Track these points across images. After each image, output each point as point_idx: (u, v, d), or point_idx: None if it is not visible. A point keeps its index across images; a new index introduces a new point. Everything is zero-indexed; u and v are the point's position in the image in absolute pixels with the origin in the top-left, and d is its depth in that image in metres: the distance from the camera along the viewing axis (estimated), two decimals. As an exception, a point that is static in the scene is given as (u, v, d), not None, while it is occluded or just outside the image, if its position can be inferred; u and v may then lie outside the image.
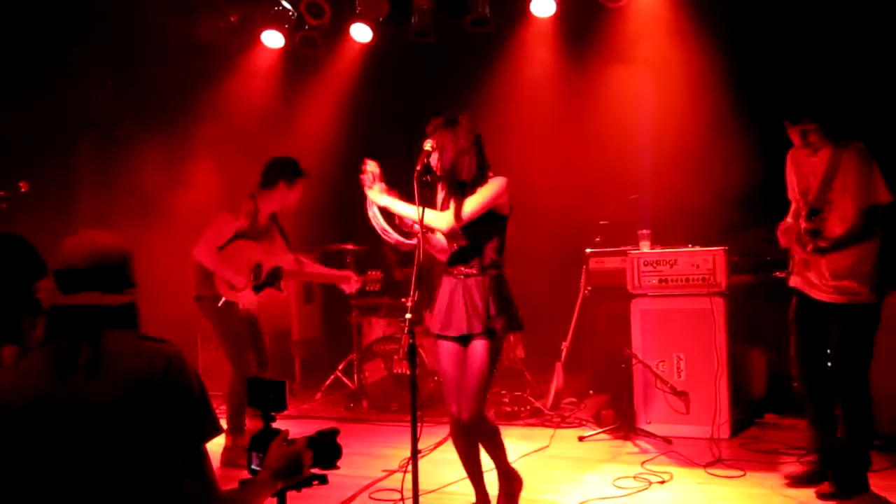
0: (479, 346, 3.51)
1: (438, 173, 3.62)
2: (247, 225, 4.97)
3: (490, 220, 3.58)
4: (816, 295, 3.98)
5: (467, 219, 3.50)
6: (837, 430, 4.06)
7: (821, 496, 3.97)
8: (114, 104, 7.51)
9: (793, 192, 4.19)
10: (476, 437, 3.63)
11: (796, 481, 4.17)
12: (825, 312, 3.98)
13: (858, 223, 3.84)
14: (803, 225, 3.96)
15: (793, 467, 4.38)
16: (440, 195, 3.71)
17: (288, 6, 7.18)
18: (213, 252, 4.82)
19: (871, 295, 3.86)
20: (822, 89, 4.39)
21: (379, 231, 3.69)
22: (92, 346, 1.84)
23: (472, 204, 3.52)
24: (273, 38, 7.31)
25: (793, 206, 4.21)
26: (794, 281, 4.13)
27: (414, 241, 3.57)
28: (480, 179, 3.58)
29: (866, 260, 3.85)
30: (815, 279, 3.98)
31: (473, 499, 3.83)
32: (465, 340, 3.56)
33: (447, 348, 3.63)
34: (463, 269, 3.60)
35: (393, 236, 3.68)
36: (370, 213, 3.70)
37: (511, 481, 3.80)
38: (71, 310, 1.90)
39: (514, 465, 3.89)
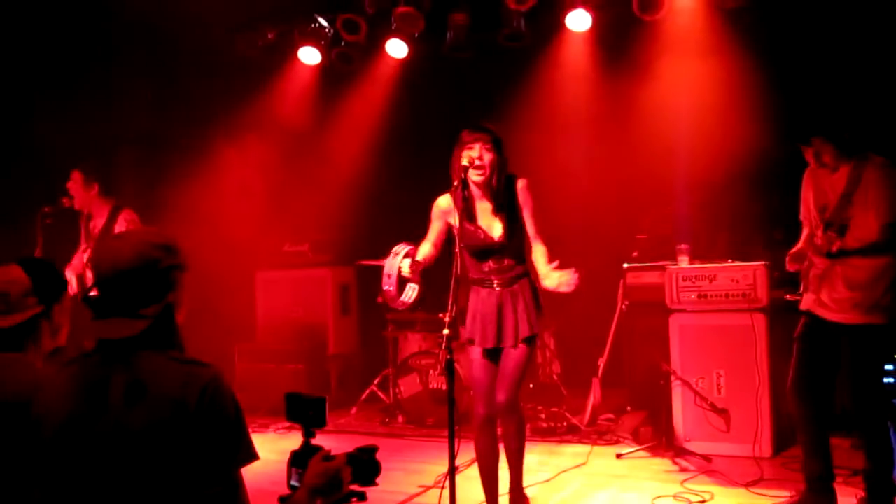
0: (517, 348, 3.76)
1: (484, 187, 3.74)
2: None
3: (522, 230, 3.80)
4: (831, 316, 3.86)
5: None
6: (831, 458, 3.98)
7: None
8: (154, 119, 7.64)
9: (807, 211, 4.07)
10: (506, 424, 3.84)
11: None
12: (838, 335, 3.85)
13: (881, 238, 3.72)
14: (819, 235, 3.80)
15: (783, 497, 4.23)
16: (483, 205, 3.80)
17: (324, 23, 7.25)
18: None
19: (886, 316, 3.75)
20: (829, 107, 4.25)
21: (388, 290, 3.79)
22: (125, 373, 1.82)
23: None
24: (310, 55, 7.39)
25: (805, 231, 4.09)
26: (805, 302, 4.01)
27: (408, 301, 3.82)
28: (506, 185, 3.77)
29: (884, 276, 3.74)
30: (828, 298, 3.85)
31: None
32: (496, 351, 3.82)
33: (478, 357, 3.87)
34: (496, 280, 3.81)
35: (399, 300, 3.81)
36: (388, 271, 3.79)
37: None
38: (101, 344, 1.88)
39: (552, 482, 3.88)
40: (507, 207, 3.74)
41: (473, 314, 3.86)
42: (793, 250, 4.03)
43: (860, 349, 3.80)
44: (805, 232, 4.10)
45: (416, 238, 3.91)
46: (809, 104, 5.49)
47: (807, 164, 4.02)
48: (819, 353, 3.96)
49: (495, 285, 3.79)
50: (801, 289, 4.05)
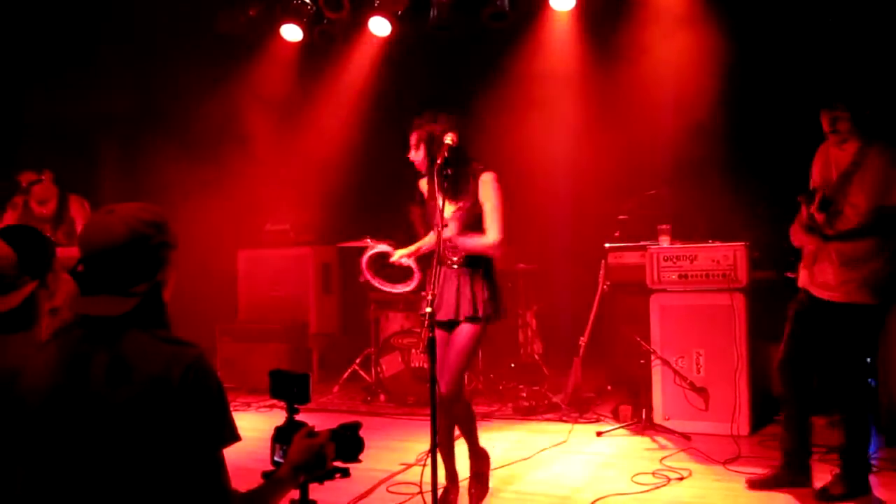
0: (464, 329, 3.72)
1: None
2: (14, 218, 5.70)
3: (480, 219, 3.78)
4: (820, 294, 3.91)
5: (504, 236, 3.76)
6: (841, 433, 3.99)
7: (822, 497, 3.89)
8: (135, 98, 7.55)
9: (813, 184, 4.10)
10: (453, 413, 3.77)
11: (759, 485, 4.11)
12: (828, 313, 3.89)
13: (867, 221, 3.76)
14: (812, 210, 3.84)
15: (758, 472, 4.26)
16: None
17: (307, -1, 7.18)
18: None
19: (875, 297, 3.78)
20: (857, 79, 4.27)
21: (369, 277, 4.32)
22: (108, 350, 1.80)
23: (501, 222, 3.75)
24: (292, 32, 7.32)
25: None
26: (801, 279, 4.06)
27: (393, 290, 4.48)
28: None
29: (875, 259, 3.77)
30: (819, 275, 3.90)
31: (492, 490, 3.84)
32: (451, 325, 3.76)
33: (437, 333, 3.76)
34: (456, 261, 3.79)
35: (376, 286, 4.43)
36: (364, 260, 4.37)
37: (480, 460, 3.99)
38: (85, 320, 1.86)
39: (532, 460, 3.87)
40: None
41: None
42: (794, 225, 4.04)
43: (847, 328, 3.84)
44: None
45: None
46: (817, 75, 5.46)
47: (821, 137, 4.04)
48: (809, 332, 4.00)
49: (447, 265, 3.89)
50: (799, 266, 4.09)
